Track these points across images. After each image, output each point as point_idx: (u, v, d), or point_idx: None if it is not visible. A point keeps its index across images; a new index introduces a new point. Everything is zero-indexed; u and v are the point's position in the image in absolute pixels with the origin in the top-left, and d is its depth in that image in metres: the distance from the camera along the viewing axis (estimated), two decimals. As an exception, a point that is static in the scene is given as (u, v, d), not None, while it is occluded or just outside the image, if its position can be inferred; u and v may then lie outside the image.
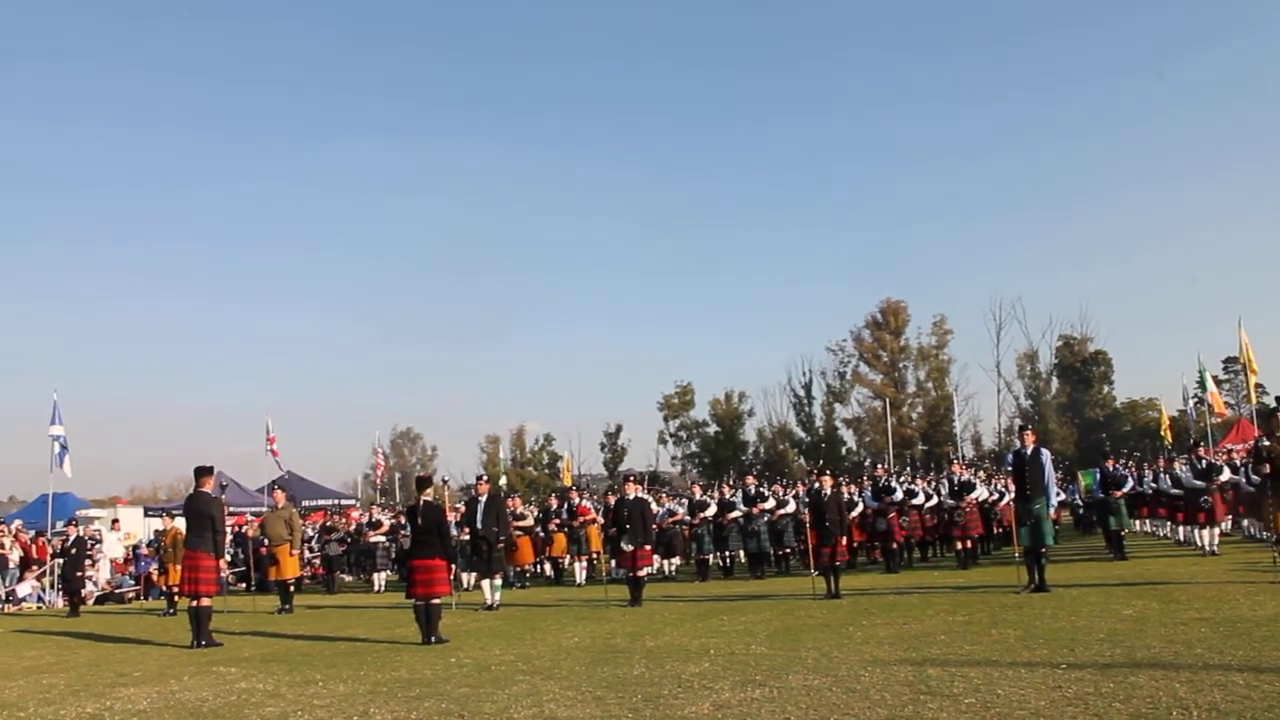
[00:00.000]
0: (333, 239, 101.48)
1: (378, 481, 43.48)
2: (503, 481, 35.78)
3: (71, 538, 21.21)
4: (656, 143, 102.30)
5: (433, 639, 11.52)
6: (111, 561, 26.22)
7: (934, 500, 20.95)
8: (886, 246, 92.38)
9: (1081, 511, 30.97)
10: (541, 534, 22.19)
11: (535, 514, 22.93)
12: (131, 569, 25.86)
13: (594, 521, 21.74)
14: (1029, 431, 14.42)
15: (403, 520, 20.62)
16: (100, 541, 25.19)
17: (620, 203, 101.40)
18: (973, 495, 19.77)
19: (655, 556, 19.19)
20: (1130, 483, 20.51)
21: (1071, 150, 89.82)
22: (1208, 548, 18.04)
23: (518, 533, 20.52)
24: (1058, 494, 18.02)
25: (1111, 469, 20.15)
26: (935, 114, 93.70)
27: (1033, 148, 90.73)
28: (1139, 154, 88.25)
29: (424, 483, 13.09)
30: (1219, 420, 39.01)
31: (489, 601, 15.73)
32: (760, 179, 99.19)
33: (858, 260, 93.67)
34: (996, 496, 21.84)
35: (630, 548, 15.43)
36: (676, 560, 22.56)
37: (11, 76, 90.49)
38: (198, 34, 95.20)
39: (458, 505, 22.64)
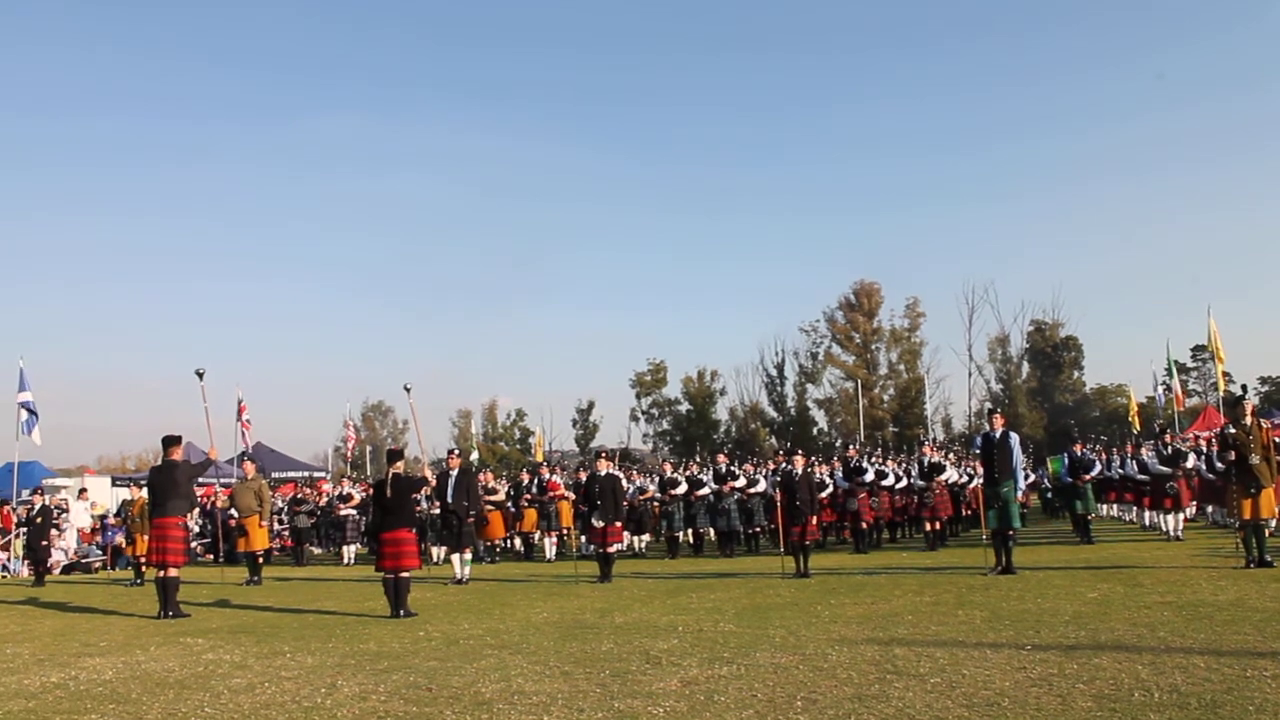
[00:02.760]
0: (308, 213, 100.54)
1: (348, 454, 43.25)
2: (474, 456, 35.75)
3: (37, 506, 21.05)
4: (631, 126, 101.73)
5: (401, 612, 11.53)
6: (78, 531, 26.04)
7: (904, 482, 21.07)
8: (861, 229, 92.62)
9: (1049, 495, 31.26)
10: (512, 509, 22.19)
11: (506, 489, 22.92)
12: (98, 539, 25.71)
13: (564, 497, 21.75)
14: (998, 415, 14.51)
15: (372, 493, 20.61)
16: (67, 511, 25.01)
17: (594, 184, 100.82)
18: (942, 477, 19.91)
19: (625, 533, 19.23)
20: (1098, 467, 20.70)
21: (1047, 139, 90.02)
22: (1172, 533, 18.22)
23: (488, 507, 20.52)
24: (1026, 477, 18.18)
25: (1080, 453, 20.30)
26: (913, 103, 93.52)
27: (1009, 137, 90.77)
28: (1114, 143, 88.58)
29: (395, 455, 13.06)
30: (1187, 407, 39.36)
31: (458, 575, 15.73)
32: (735, 161, 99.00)
33: (832, 242, 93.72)
34: (966, 479, 22.00)
35: (601, 524, 15.47)
36: (647, 537, 22.62)
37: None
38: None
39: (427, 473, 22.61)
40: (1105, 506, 25.37)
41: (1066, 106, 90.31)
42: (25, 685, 7.86)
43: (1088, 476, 19.49)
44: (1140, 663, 6.73)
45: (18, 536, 23.46)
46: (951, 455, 25.96)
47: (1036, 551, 17.02)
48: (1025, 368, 64.40)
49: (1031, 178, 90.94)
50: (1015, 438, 14.14)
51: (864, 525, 20.03)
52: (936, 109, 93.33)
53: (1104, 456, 23.09)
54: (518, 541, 23.03)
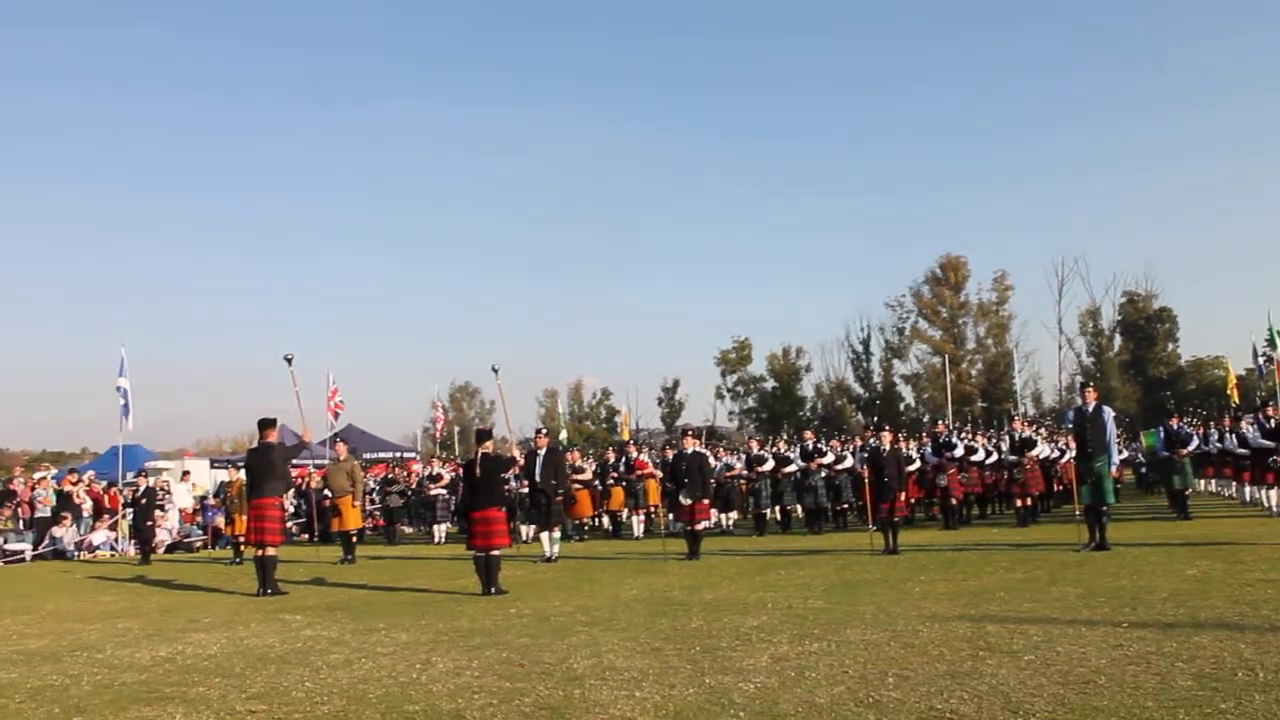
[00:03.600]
0: (397, 196, 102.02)
1: (437, 435, 43.81)
2: (563, 436, 35.93)
3: (141, 488, 21.69)
4: (714, 105, 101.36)
5: (493, 590, 11.67)
6: (180, 512, 26.78)
7: (994, 457, 20.78)
8: (946, 204, 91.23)
9: (1144, 470, 30.61)
10: (599, 487, 22.33)
11: (593, 467, 23.06)
12: (199, 519, 26.42)
13: (651, 475, 21.81)
14: (1090, 389, 14.23)
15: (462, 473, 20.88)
16: (169, 492, 25.73)
17: (678, 163, 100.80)
18: (1034, 452, 19.58)
19: (713, 510, 19.24)
20: (1195, 441, 20.20)
21: (1141, 113, 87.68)
22: (1274, 508, 17.77)
23: (576, 486, 20.67)
24: (1120, 452, 17.81)
25: (1176, 427, 19.85)
26: (1001, 80, 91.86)
27: (1100, 111, 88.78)
28: (1211, 117, 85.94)
29: (484, 436, 13.21)
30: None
31: (547, 554, 15.88)
32: (819, 139, 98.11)
33: (917, 217, 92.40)
34: (1057, 454, 21.62)
35: (689, 501, 15.50)
36: (734, 514, 22.64)
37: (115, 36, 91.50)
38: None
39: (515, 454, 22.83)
40: (1203, 481, 24.80)
41: (1161, 82, 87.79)
42: (137, 659, 8.14)
43: (1185, 451, 19.05)
44: (1243, 641, 6.58)
45: (124, 517, 24.20)
46: (1042, 430, 25.53)
47: (1131, 528, 16.69)
48: (1117, 340, 63.09)
49: (1121, 150, 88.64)
50: (1109, 412, 13.85)
51: (954, 501, 19.80)
52: (1025, 85, 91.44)
53: (1201, 430, 22.54)
54: (605, 519, 23.17)
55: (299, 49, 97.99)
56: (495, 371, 15.43)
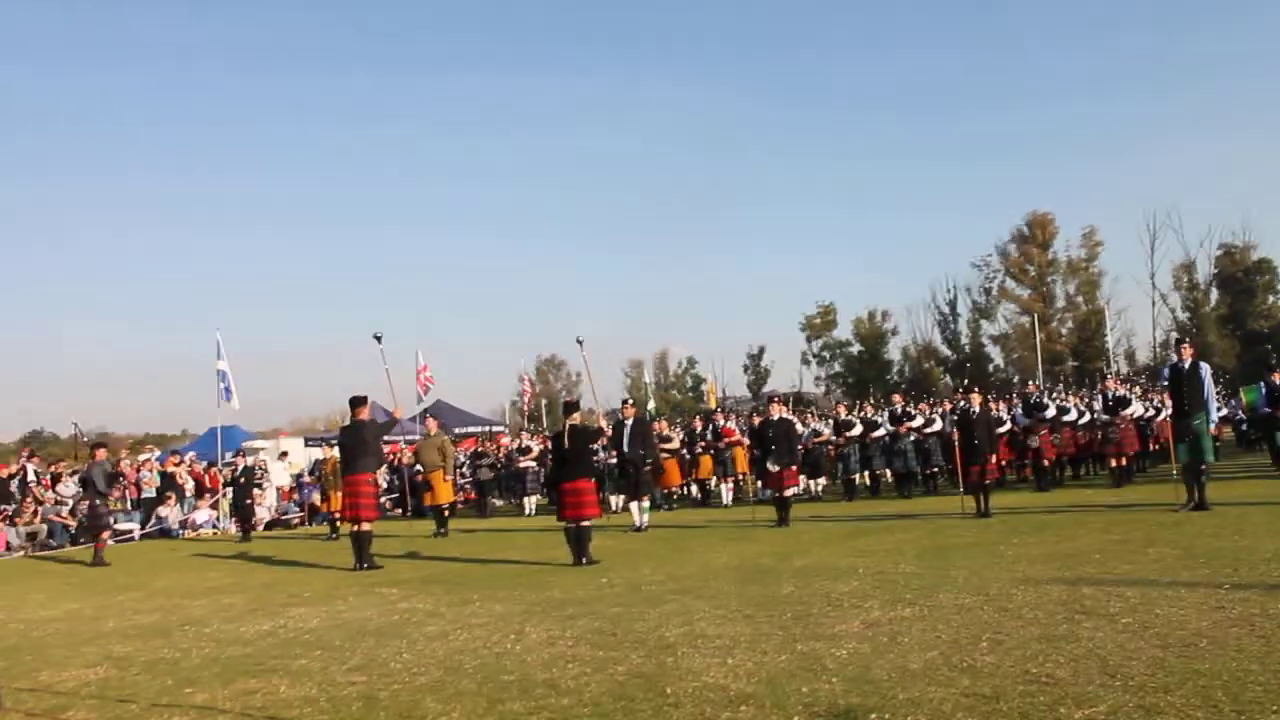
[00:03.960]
0: (481, 169, 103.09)
1: (525, 408, 44.24)
2: (651, 406, 36.07)
3: (240, 468, 22.25)
4: (801, 74, 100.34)
5: (584, 560, 11.79)
6: (278, 490, 27.44)
7: (1087, 417, 20.39)
8: (1033, 157, 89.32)
9: (1245, 428, 29.82)
10: (687, 456, 22.37)
11: (681, 437, 23.11)
12: (296, 496, 27.04)
13: (739, 443, 21.80)
14: (1186, 345, 13.90)
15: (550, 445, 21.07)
16: (267, 471, 26.35)
17: (762, 131, 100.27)
18: (1128, 411, 19.17)
19: (801, 477, 19.17)
20: (1299, 396, 19.61)
21: (1230, 55, 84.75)
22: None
23: (664, 455, 20.74)
24: (1218, 409, 17.38)
25: (1278, 382, 19.29)
26: (1088, 40, 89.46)
27: (1190, 34, 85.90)
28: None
29: (571, 408, 13.31)
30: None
31: (637, 523, 15.99)
32: (902, 104, 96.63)
33: (1003, 176, 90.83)
34: (1152, 412, 21.15)
35: (776, 468, 15.48)
36: (823, 480, 22.55)
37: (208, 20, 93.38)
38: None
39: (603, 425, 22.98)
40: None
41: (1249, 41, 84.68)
42: (242, 633, 8.40)
43: (1288, 406, 18.51)
44: (1349, 599, 6.43)
45: (225, 496, 24.87)
46: (1136, 389, 24.98)
47: (1232, 486, 16.27)
48: (1214, 294, 61.40)
49: (1212, 96, 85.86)
50: (1206, 368, 13.52)
51: (1046, 463, 19.49)
52: (1115, 43, 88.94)
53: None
54: (694, 488, 23.22)
55: (377, 21, 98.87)
56: (580, 344, 15.53)
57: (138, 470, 24.53)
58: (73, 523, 21.24)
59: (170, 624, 9.21)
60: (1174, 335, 53.76)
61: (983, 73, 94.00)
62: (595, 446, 15.45)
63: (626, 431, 16.43)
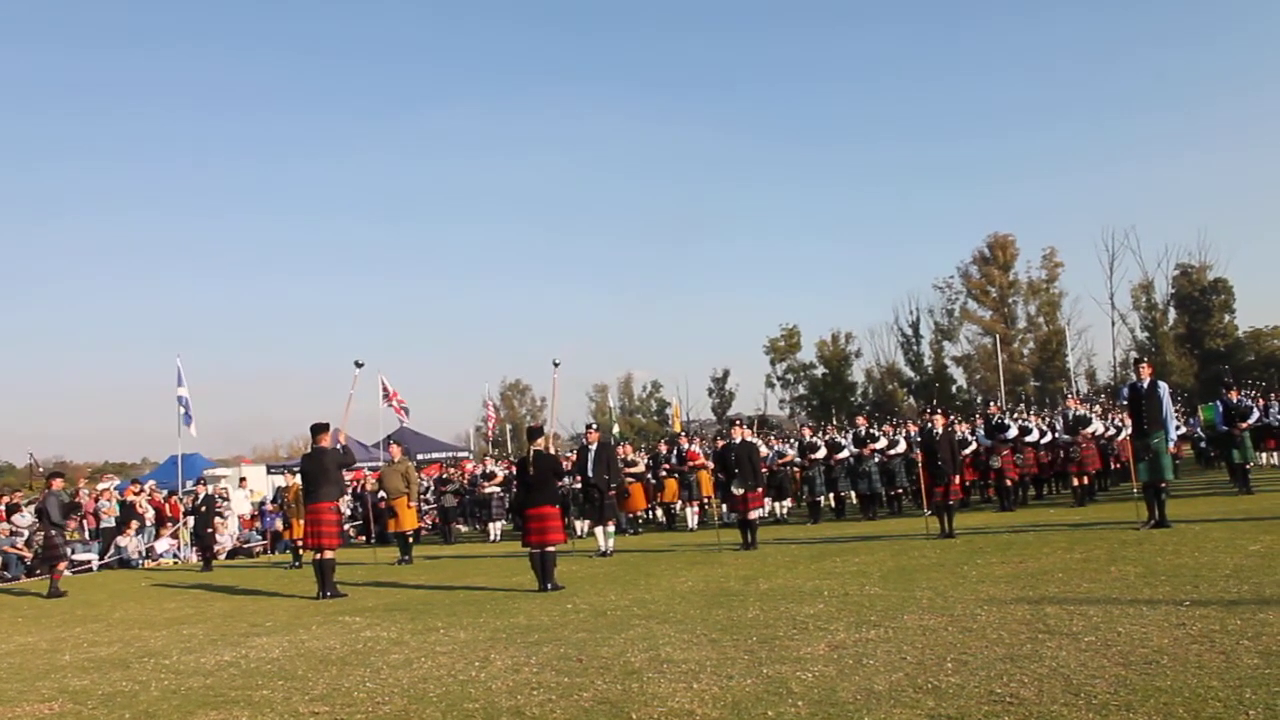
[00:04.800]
0: (445, 200, 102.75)
1: (489, 433, 44.10)
2: (615, 430, 36.01)
3: (201, 496, 22.03)
4: (766, 104, 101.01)
5: (549, 586, 11.73)
6: (239, 518, 27.17)
7: (1049, 436, 20.56)
8: (993, 180, 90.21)
9: (1203, 445, 30.16)
10: (652, 480, 22.35)
11: (645, 460, 23.09)
12: (258, 524, 26.78)
13: (704, 466, 21.79)
14: (1145, 364, 14.07)
15: (515, 471, 20.99)
16: (228, 499, 26.11)
17: (723, 154, 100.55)
18: (1089, 430, 19.34)
19: (766, 499, 19.19)
20: (1255, 414, 19.85)
21: (1184, 65, 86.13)
22: (1339, 479, 17.45)
23: (629, 479, 20.70)
24: (1177, 427, 17.56)
25: (1235, 400, 19.54)
26: (1044, 41, 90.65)
27: (1146, 64, 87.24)
28: (1256, 65, 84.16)
29: (536, 433, 13.26)
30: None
31: (603, 548, 15.94)
32: (854, 110, 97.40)
33: (963, 196, 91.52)
34: (1113, 431, 21.35)
35: (741, 491, 15.49)
36: (788, 503, 22.59)
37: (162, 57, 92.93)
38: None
39: (568, 454, 22.92)
40: (1264, 454, 24.38)
41: (1199, 30, 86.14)
42: (202, 663, 8.29)
43: (1245, 424, 18.73)
44: (1308, 615, 6.49)
45: (185, 525, 24.59)
46: (1097, 408, 25.22)
47: (1192, 504, 16.45)
48: (1172, 314, 62.11)
49: (1168, 114, 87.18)
50: (1164, 387, 13.68)
51: (1008, 482, 19.62)
52: (1069, 48, 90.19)
53: (1261, 403, 22.17)
54: (659, 512, 23.20)
55: (343, 54, 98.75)
56: (556, 365, 15.52)
57: (96, 499, 24.22)
58: (28, 554, 20.92)
59: (129, 656, 9.07)
60: (1133, 355, 54.36)
61: (944, 96, 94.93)
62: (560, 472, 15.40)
63: (591, 456, 16.40)
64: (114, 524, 23.81)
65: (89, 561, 22.45)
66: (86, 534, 23.49)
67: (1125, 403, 15.35)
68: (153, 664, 8.46)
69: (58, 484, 17.79)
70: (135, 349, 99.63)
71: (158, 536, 24.38)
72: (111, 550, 23.13)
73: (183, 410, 25.84)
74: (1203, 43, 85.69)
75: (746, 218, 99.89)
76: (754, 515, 15.75)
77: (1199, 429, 30.25)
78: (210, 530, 21.80)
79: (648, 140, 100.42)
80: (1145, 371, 13.81)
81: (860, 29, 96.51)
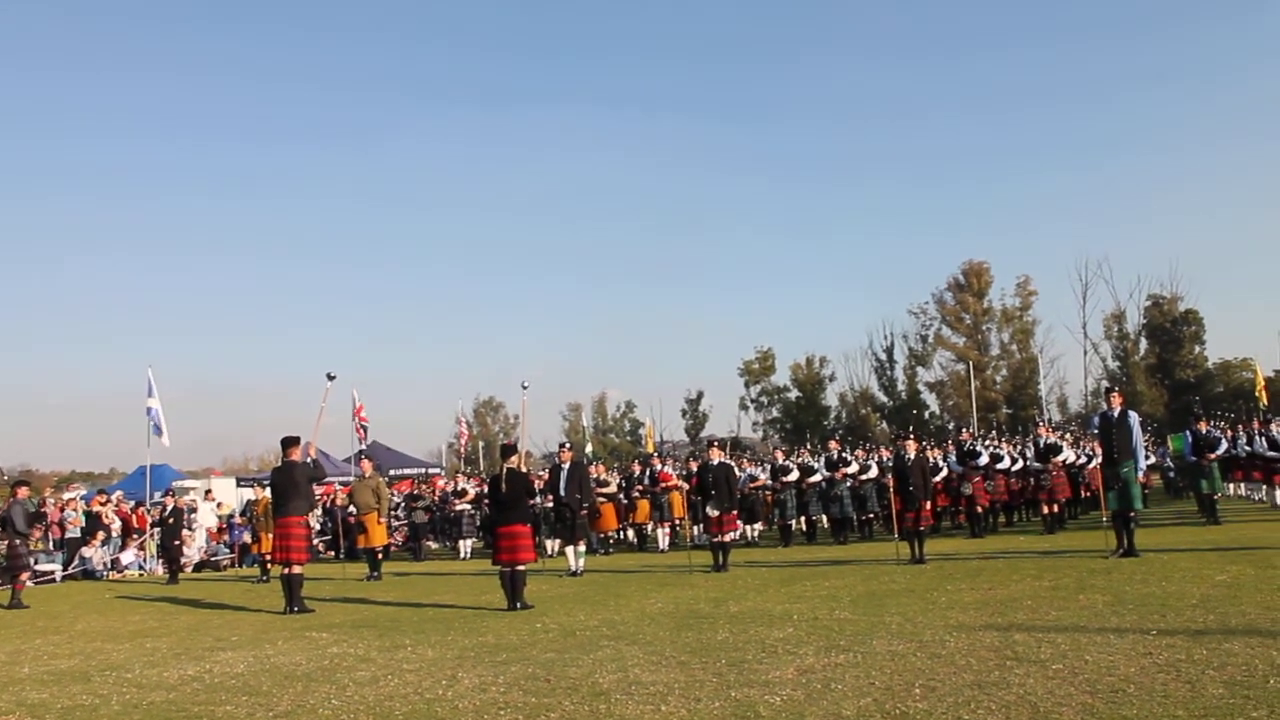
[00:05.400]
0: (423, 211, 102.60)
1: (462, 450, 43.96)
2: (588, 449, 36.06)
3: (169, 508, 21.82)
4: (745, 125, 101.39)
5: (518, 605, 11.68)
6: (207, 530, 26.93)
7: (1019, 464, 20.67)
8: (968, 207, 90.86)
9: (1172, 475, 30.39)
10: (624, 500, 22.32)
11: (618, 481, 23.05)
12: (226, 538, 26.55)
13: (676, 488, 21.79)
14: (1116, 393, 14.17)
15: (487, 488, 20.90)
16: (196, 511, 25.89)
17: (700, 176, 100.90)
18: (1059, 458, 19.45)
19: (738, 522, 19.19)
20: (1224, 445, 20.02)
21: (1158, 104, 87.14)
22: (1305, 511, 17.59)
23: (601, 499, 20.65)
24: (1147, 457, 17.68)
25: (1204, 431, 19.69)
26: (1017, 66, 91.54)
27: (1119, 101, 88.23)
28: (1228, 106, 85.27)
29: (509, 451, 13.22)
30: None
31: (573, 568, 15.88)
32: (838, 139, 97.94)
33: (938, 222, 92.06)
34: (1084, 460, 21.48)
35: (716, 513, 15.48)
36: (759, 526, 22.59)
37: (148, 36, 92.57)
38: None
39: (541, 473, 22.87)
40: (1232, 485, 24.57)
41: (1175, 69, 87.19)
42: (165, 678, 8.19)
43: (1213, 455, 18.89)
44: (1275, 648, 6.52)
45: (152, 537, 24.36)
46: (1068, 436, 25.38)
47: (1160, 533, 16.56)
48: (1143, 344, 62.51)
49: (1143, 149, 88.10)
50: (1135, 416, 13.79)
51: (979, 509, 19.71)
52: (1041, 75, 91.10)
53: (1230, 434, 22.34)
54: (630, 533, 23.16)
55: (332, 50, 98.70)
56: (524, 388, 15.49)
57: (62, 509, 23.95)
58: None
59: (90, 669, 8.96)
60: (1105, 384, 54.64)
61: (923, 126, 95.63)
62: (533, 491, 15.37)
63: (563, 475, 16.36)
64: (79, 534, 23.55)
65: (52, 572, 22.18)
66: (51, 544, 23.21)
67: (1096, 431, 15.46)
68: (114, 677, 8.36)
69: (23, 492, 17.62)
70: (105, 357, 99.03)
71: (123, 548, 24.12)
72: (76, 561, 22.88)
73: (153, 422, 25.66)
74: (1177, 80, 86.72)
75: (723, 240, 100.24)
76: (728, 537, 15.75)
77: (1168, 459, 30.51)
78: (177, 542, 21.60)
79: (626, 161, 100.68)
80: (1116, 401, 13.91)
81: (839, 61, 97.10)
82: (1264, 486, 21.80)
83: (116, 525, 24.61)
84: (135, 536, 24.69)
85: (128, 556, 23.89)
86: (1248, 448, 20.89)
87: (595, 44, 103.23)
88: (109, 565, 23.40)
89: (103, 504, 24.95)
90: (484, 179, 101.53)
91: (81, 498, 25.84)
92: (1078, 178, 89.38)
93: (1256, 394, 37.73)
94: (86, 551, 23.09)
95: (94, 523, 23.91)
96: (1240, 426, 23.05)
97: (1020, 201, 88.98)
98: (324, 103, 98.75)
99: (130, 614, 14.21)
